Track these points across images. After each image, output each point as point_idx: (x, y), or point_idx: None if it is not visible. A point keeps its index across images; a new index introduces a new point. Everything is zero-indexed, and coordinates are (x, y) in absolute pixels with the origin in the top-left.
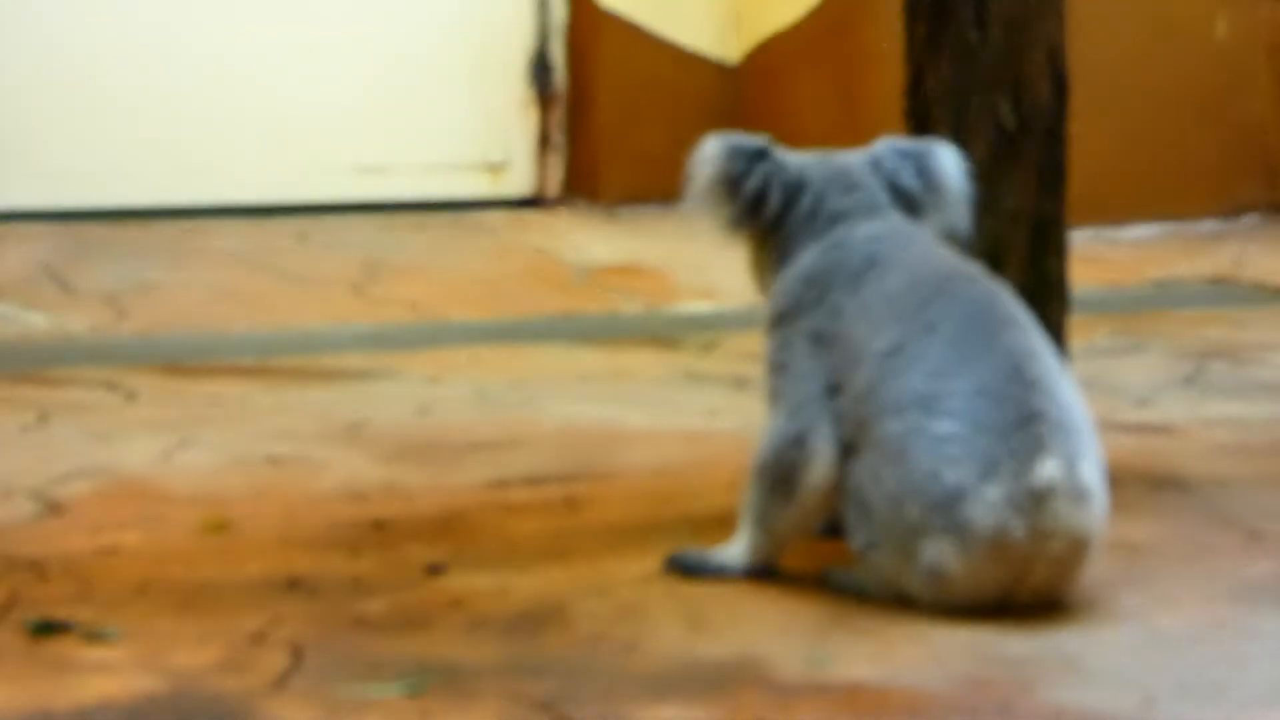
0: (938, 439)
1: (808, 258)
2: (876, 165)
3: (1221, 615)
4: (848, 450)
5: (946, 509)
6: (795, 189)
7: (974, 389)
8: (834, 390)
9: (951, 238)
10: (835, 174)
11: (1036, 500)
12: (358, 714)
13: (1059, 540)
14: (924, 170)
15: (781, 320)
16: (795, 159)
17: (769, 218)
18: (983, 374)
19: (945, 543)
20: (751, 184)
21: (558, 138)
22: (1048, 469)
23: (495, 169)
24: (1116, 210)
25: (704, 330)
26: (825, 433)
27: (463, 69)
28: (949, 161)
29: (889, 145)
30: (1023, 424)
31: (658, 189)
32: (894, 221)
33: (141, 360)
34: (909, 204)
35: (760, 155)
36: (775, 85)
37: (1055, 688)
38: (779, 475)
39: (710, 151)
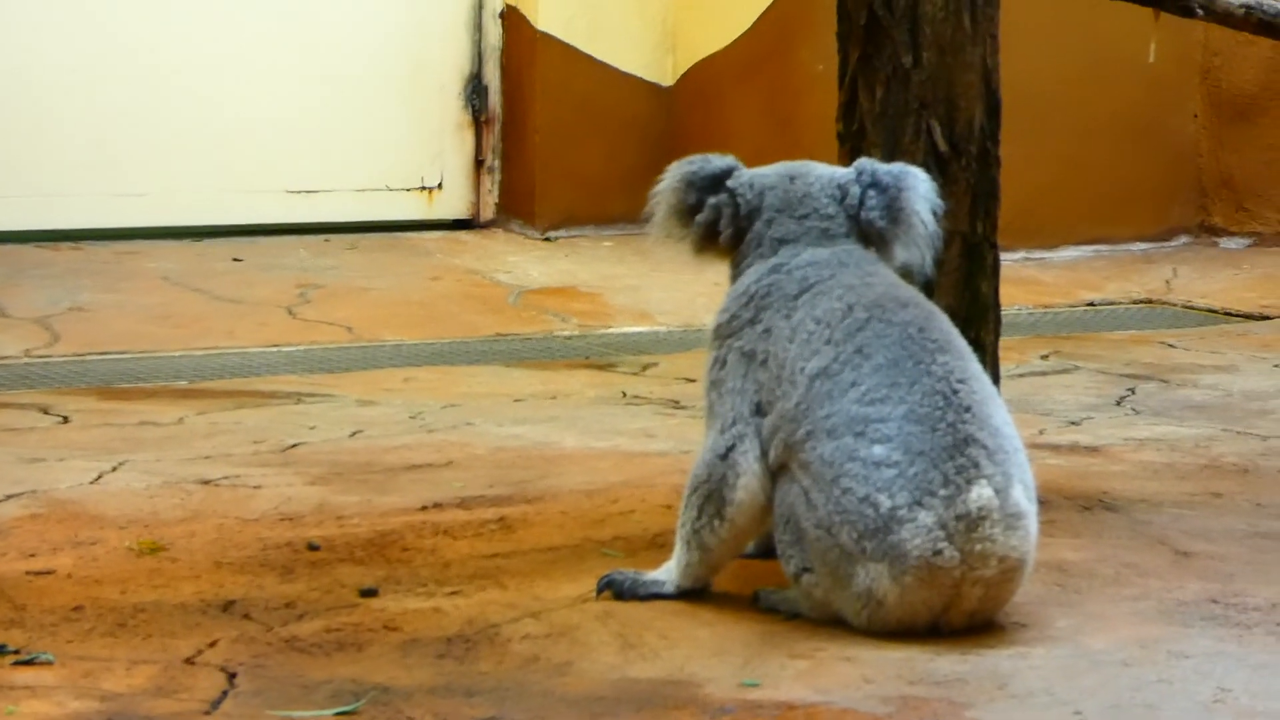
0: (871, 464)
1: (749, 277)
2: (843, 193)
3: (1152, 635)
4: (777, 473)
5: (880, 535)
6: (750, 216)
7: (906, 414)
8: (762, 409)
9: (907, 273)
10: (793, 200)
11: (969, 526)
12: None
13: (992, 565)
14: (892, 206)
15: (718, 337)
16: (758, 181)
17: (724, 244)
18: (915, 399)
19: (879, 568)
20: (704, 216)
21: (492, 160)
22: (980, 495)
23: (430, 191)
24: (1048, 232)
25: (639, 352)
26: (752, 450)
27: (397, 91)
28: (920, 200)
29: (863, 171)
30: (955, 449)
31: (593, 211)
32: (841, 248)
33: (75, 383)
34: (870, 236)
35: (715, 184)
36: (710, 107)
37: (987, 708)
38: (708, 492)
39: (666, 183)
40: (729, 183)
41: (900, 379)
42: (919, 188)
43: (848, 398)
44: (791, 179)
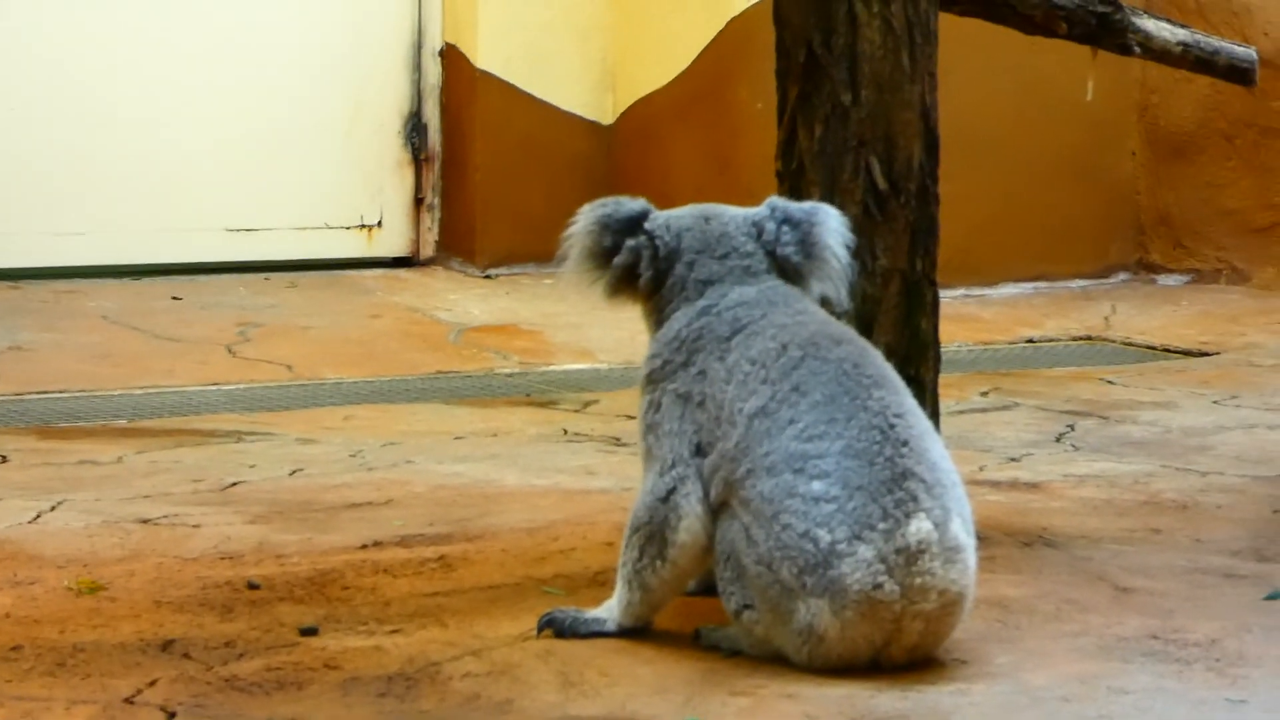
0: (810, 499)
1: (679, 321)
2: (759, 229)
3: (1091, 671)
4: (718, 510)
5: (820, 570)
6: (669, 258)
7: (844, 449)
8: (702, 450)
9: (828, 304)
10: (711, 240)
11: (909, 559)
12: None
13: (932, 599)
14: (806, 241)
15: (651, 382)
16: (674, 223)
17: (643, 287)
18: (852, 435)
19: (819, 603)
20: (621, 259)
21: (432, 198)
22: (919, 528)
23: (370, 229)
24: (988, 269)
25: (580, 390)
26: (694, 492)
27: (336, 129)
28: (833, 235)
29: (776, 208)
30: (894, 484)
31: (534, 249)
32: (767, 285)
33: (14, 422)
34: (788, 271)
35: (632, 227)
36: (649, 145)
37: None
38: (650, 533)
39: (580, 226)
40: (645, 225)
41: (837, 415)
42: (830, 223)
43: (786, 435)
44: (707, 219)
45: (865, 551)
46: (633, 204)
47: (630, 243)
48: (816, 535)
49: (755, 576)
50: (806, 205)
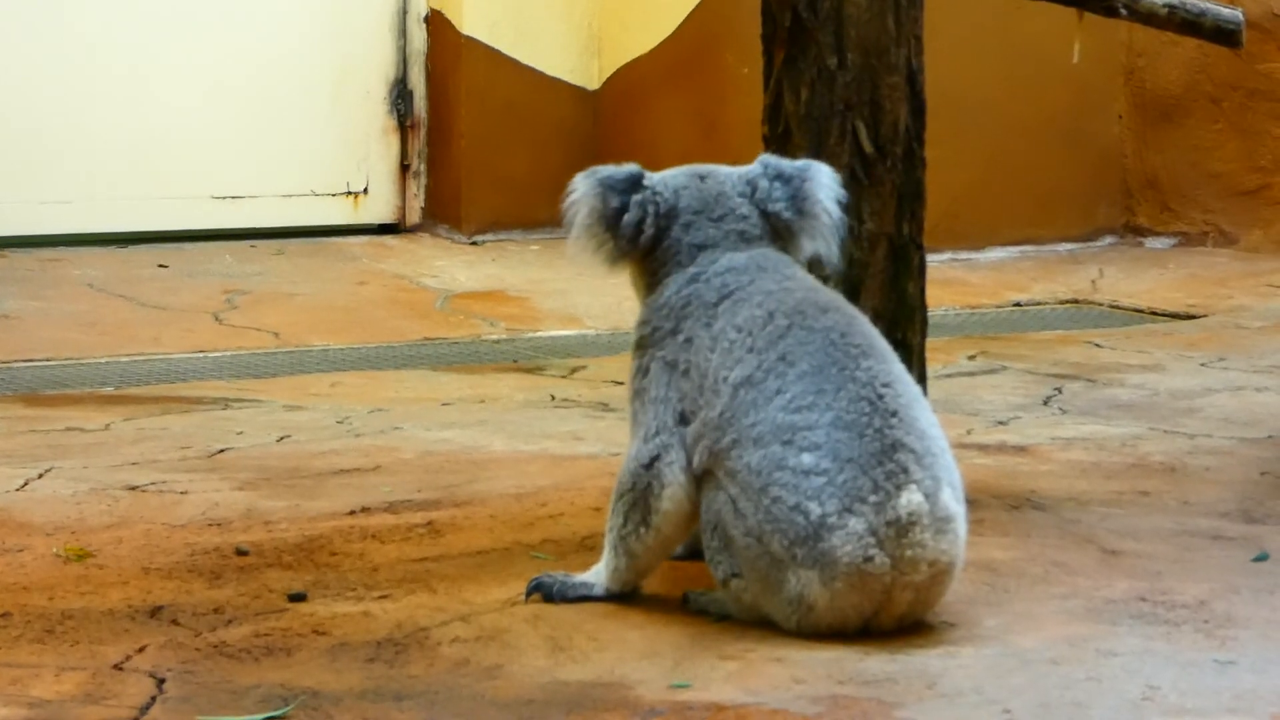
0: (800, 472)
1: (670, 287)
2: (752, 188)
3: (1080, 634)
4: (702, 480)
5: (810, 542)
6: (669, 216)
7: (833, 421)
8: (685, 419)
9: (817, 265)
10: (709, 200)
11: (900, 532)
12: None
13: (922, 569)
14: (798, 197)
15: (641, 347)
16: (670, 181)
17: (644, 247)
18: (841, 405)
19: (810, 575)
20: (630, 216)
21: (418, 164)
22: (910, 500)
23: (356, 196)
24: (975, 233)
25: (567, 356)
26: (677, 460)
27: (322, 96)
28: (825, 190)
29: (768, 165)
30: (883, 455)
31: (520, 215)
32: (758, 251)
33: (0, 390)
34: (780, 231)
35: (632, 187)
36: (636, 110)
37: (916, 708)
38: (634, 500)
39: (582, 191)
40: (644, 183)
41: (825, 386)
42: (822, 179)
43: (773, 405)
44: (702, 178)
45: (856, 524)
46: (628, 166)
47: (637, 198)
48: (807, 508)
49: (744, 548)
50: (799, 162)
